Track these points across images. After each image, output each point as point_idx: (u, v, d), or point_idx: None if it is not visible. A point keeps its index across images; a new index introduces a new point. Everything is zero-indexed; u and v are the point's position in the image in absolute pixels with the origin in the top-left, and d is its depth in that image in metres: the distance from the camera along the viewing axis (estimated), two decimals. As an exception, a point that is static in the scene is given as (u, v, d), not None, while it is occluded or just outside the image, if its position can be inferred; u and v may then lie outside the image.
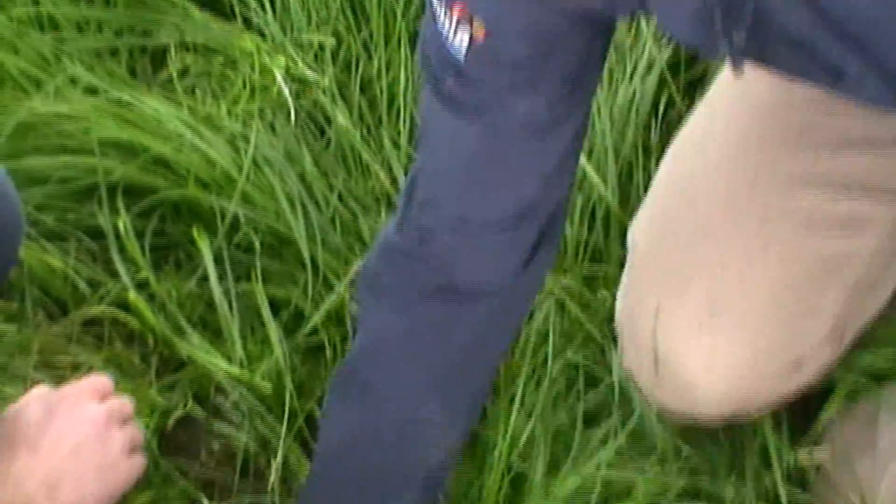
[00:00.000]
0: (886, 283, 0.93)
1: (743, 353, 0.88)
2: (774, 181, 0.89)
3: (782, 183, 0.88)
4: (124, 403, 0.93)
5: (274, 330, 1.05)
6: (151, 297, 1.08)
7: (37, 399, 0.87)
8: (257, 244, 1.10)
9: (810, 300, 0.88)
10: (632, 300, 0.93)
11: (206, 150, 1.13)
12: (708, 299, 0.88)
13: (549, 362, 0.98)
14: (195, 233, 1.10)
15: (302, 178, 1.14)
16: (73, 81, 1.19)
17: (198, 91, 1.23)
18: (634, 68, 1.17)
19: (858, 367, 0.96)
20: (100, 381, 0.93)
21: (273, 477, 0.99)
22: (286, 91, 1.20)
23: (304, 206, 1.11)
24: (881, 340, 0.97)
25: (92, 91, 1.18)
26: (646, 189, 1.09)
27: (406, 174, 1.14)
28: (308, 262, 1.08)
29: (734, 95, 0.94)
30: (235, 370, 1.03)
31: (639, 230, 0.96)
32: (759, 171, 0.89)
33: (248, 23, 1.29)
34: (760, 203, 0.89)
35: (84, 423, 0.87)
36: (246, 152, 1.13)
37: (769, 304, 0.88)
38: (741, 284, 0.88)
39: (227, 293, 1.08)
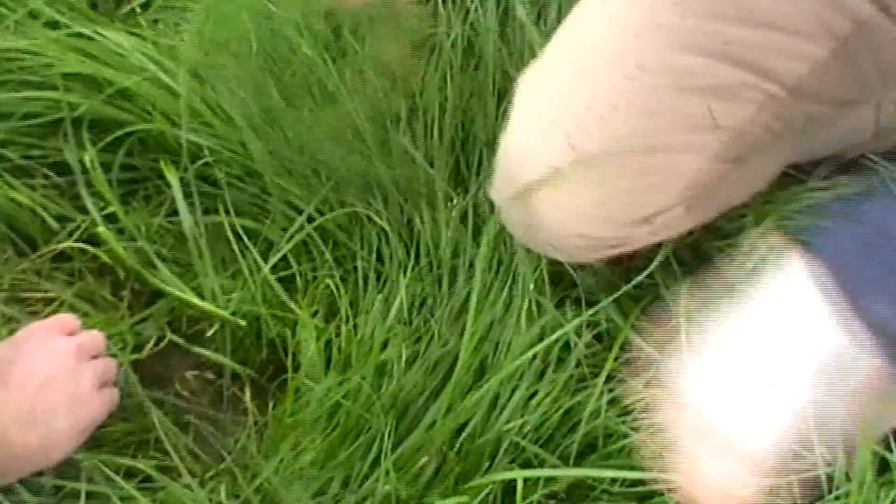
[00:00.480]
0: (761, 161, 0.94)
1: (588, 193, 0.90)
2: (658, 38, 0.88)
3: (665, 41, 0.88)
4: (95, 337, 0.94)
5: (244, 262, 1.06)
6: (121, 232, 1.08)
7: (5, 339, 0.88)
8: (224, 177, 1.10)
9: (667, 158, 0.89)
10: (507, 139, 0.95)
11: (171, 84, 1.12)
12: (568, 138, 0.90)
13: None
14: (163, 166, 1.09)
15: (268, 109, 1.13)
16: (34, 16, 1.17)
17: (160, 24, 1.22)
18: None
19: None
20: (66, 317, 0.94)
21: (249, 405, 1.00)
22: (249, 22, 1.19)
23: (271, 138, 1.11)
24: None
25: (53, 25, 1.17)
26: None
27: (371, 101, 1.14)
28: (276, 193, 1.09)
29: None
30: (209, 304, 1.04)
31: (526, 72, 0.96)
32: (646, 26, 0.89)
33: (209, -47, 1.28)
34: (639, 56, 0.88)
35: (53, 357, 0.88)
36: (211, 85, 1.13)
37: (621, 153, 0.89)
38: (600, 128, 0.89)
39: (196, 226, 1.08)
